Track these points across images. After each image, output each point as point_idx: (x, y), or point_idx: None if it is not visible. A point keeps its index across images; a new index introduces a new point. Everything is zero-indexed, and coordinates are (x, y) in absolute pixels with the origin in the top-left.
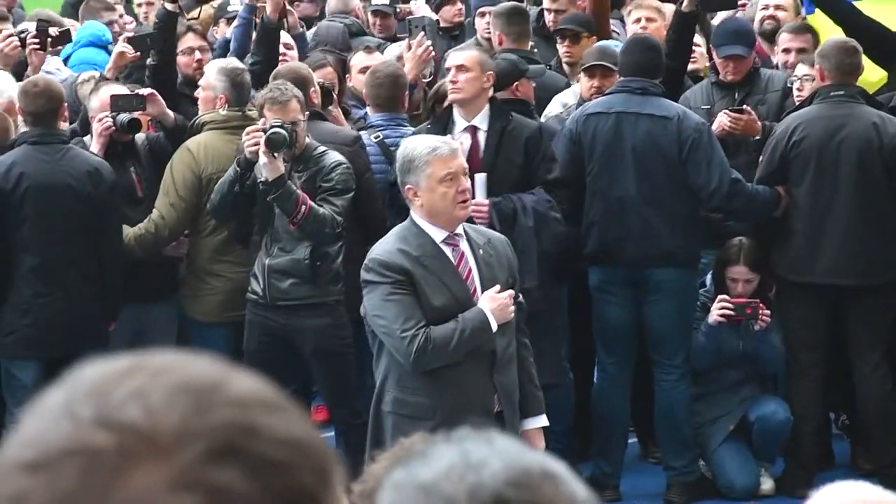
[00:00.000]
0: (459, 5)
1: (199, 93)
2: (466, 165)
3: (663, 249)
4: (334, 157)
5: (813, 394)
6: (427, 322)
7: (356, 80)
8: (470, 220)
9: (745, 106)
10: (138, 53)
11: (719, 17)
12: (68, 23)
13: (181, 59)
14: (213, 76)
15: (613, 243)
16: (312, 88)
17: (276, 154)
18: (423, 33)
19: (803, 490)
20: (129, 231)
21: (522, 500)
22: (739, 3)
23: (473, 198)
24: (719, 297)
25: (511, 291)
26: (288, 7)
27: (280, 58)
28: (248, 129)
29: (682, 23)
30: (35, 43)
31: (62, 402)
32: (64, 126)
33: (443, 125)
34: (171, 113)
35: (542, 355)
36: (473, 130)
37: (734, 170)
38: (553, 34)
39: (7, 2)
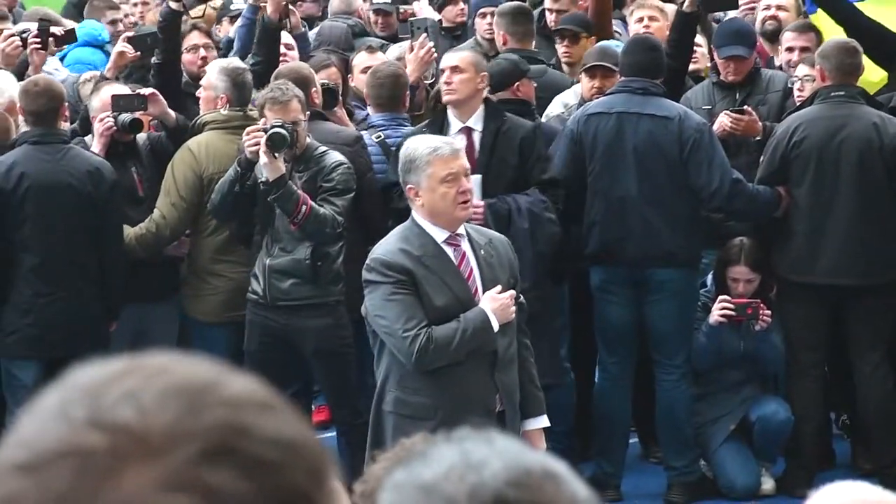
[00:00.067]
0: (462, 5)
1: (200, 92)
2: (468, 166)
3: (664, 249)
4: (335, 157)
5: (813, 394)
6: (428, 322)
7: (358, 81)
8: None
9: (745, 106)
10: (138, 53)
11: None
12: (69, 23)
13: (186, 57)
14: (214, 76)
15: (615, 243)
16: (314, 88)
17: (276, 154)
18: (425, 34)
19: (804, 490)
20: (130, 231)
21: (523, 500)
22: (748, 6)
23: None
24: (720, 297)
25: (512, 292)
26: (290, 7)
27: (280, 58)
28: (249, 128)
29: (684, 23)
30: (36, 42)
31: (56, 403)
32: (65, 126)
33: (438, 126)
34: (172, 113)
35: (541, 356)
36: (468, 131)
37: (735, 170)
38: (552, 34)
39: (8, 1)
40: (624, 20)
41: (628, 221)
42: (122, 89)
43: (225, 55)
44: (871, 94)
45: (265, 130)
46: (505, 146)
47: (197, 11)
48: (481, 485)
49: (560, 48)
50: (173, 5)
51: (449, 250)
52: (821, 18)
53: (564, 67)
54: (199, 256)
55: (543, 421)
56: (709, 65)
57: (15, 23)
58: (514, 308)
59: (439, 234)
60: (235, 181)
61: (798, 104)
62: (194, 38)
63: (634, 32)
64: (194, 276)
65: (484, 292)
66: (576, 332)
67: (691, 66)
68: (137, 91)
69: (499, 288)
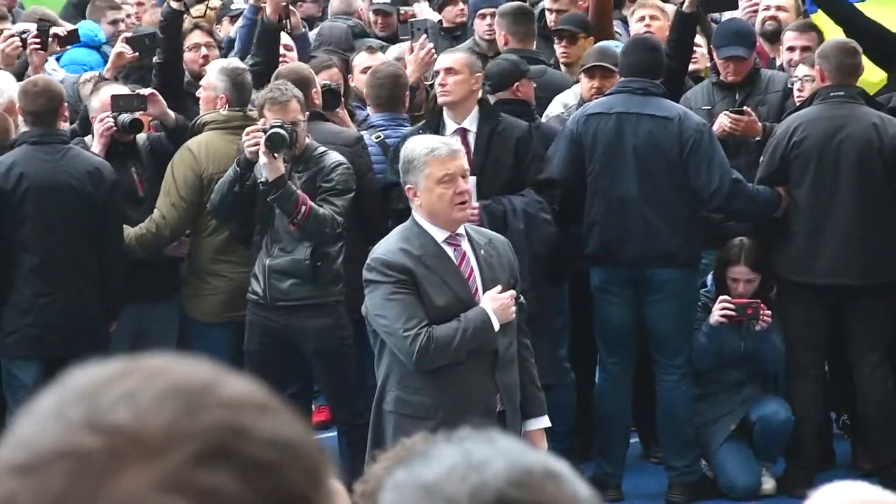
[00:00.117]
0: (462, 6)
1: (200, 92)
2: (467, 167)
3: (664, 250)
4: (334, 157)
5: (813, 394)
6: (429, 321)
7: (358, 81)
8: None
9: (745, 107)
10: (137, 54)
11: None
12: (67, 23)
13: (188, 56)
14: (214, 76)
15: (614, 243)
16: (314, 89)
17: (276, 154)
18: (425, 36)
19: (804, 490)
20: (130, 231)
21: (525, 500)
22: (751, 8)
23: None
24: (720, 297)
25: (513, 292)
26: (291, 8)
27: (279, 59)
28: (248, 129)
29: (683, 23)
30: (36, 43)
31: (53, 404)
32: (64, 126)
33: (434, 127)
34: (172, 113)
35: (540, 356)
36: (463, 132)
37: (734, 170)
38: (551, 34)
39: (7, 1)
40: (624, 20)
41: (628, 222)
42: (122, 89)
43: (226, 55)
44: (872, 94)
45: (264, 131)
46: (500, 147)
47: (198, 10)
48: (483, 485)
49: (558, 48)
50: (174, 5)
51: (449, 250)
52: (821, 18)
53: (562, 68)
54: (199, 256)
55: (545, 421)
56: (708, 65)
57: (14, 23)
58: (514, 308)
59: (439, 234)
60: (235, 181)
61: (798, 104)
62: (196, 36)
63: (635, 32)
64: (194, 276)
65: (484, 292)
66: (576, 333)
67: (691, 67)
68: (137, 91)
69: (499, 288)
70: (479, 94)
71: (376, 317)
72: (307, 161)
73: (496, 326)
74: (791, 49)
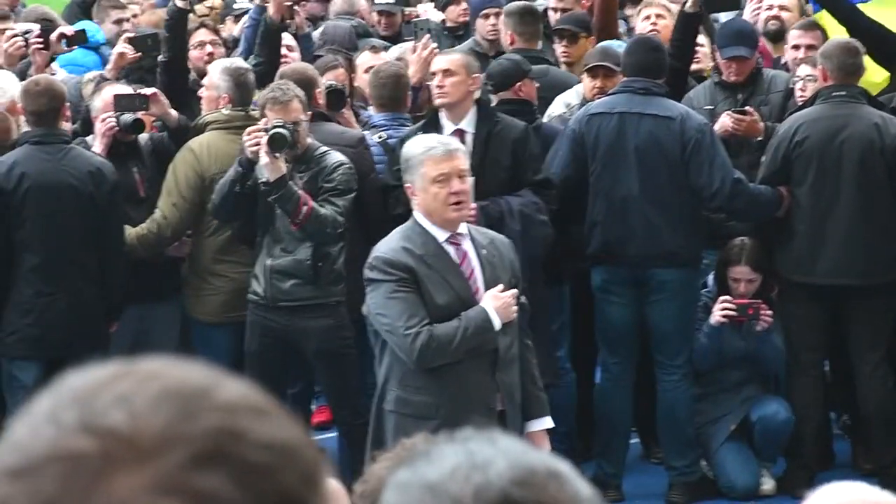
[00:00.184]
0: (465, 5)
1: (202, 92)
2: (464, 167)
3: (666, 249)
4: (336, 157)
5: (814, 394)
6: (430, 320)
7: (362, 80)
8: None
9: (747, 107)
10: (139, 54)
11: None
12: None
13: (193, 54)
14: (216, 76)
15: (616, 243)
16: (318, 89)
17: (277, 154)
18: (428, 36)
19: (804, 490)
20: (131, 231)
21: (528, 499)
22: (757, 8)
23: None
24: (721, 297)
25: (514, 291)
26: (295, 8)
27: (281, 59)
28: (250, 129)
29: (686, 23)
30: (39, 43)
31: (48, 407)
32: (66, 126)
33: (432, 128)
34: (174, 113)
35: (537, 356)
36: (461, 134)
37: (736, 170)
38: (552, 34)
39: (9, 0)
40: (626, 20)
41: (630, 221)
42: (124, 89)
43: (229, 55)
44: (874, 94)
45: (266, 130)
46: (498, 147)
47: (203, 9)
48: (487, 484)
49: (558, 48)
50: (179, 3)
51: (450, 249)
52: (825, 17)
53: (563, 67)
54: (201, 257)
55: (547, 422)
56: (711, 65)
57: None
58: (515, 307)
59: (440, 234)
60: (236, 181)
61: (800, 104)
62: (201, 34)
63: (641, 30)
64: (195, 276)
65: (485, 291)
66: (577, 333)
67: (694, 66)
68: (139, 91)
69: (501, 287)
70: (476, 95)
71: (377, 315)
72: (308, 161)
73: (497, 326)
74: (796, 47)
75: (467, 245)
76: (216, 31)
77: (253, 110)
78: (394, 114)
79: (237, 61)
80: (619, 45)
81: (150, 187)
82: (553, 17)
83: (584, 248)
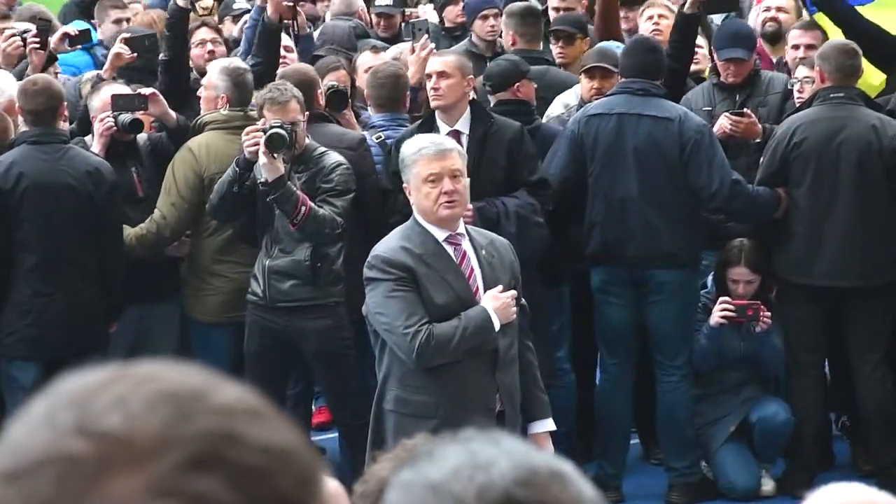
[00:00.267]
0: (463, 6)
1: (201, 91)
2: (457, 167)
3: (664, 250)
4: (334, 157)
5: (813, 395)
6: (429, 319)
7: (362, 81)
8: None
9: (745, 109)
10: (135, 54)
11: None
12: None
13: (194, 52)
14: (214, 75)
15: (615, 244)
16: (318, 90)
17: (275, 154)
18: (426, 36)
19: (804, 491)
20: (130, 231)
21: (531, 500)
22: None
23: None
24: (720, 298)
25: (514, 292)
26: (297, 9)
27: (280, 60)
28: (248, 129)
29: (685, 24)
30: (36, 42)
31: (44, 410)
32: (64, 126)
33: (427, 130)
34: (173, 113)
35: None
36: (456, 135)
37: (735, 171)
38: (548, 34)
39: (7, 0)
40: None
41: (629, 222)
42: (123, 89)
43: (230, 54)
44: (873, 97)
45: (264, 131)
46: (493, 148)
47: (198, 9)
48: (489, 484)
49: (555, 49)
50: (180, 2)
51: (449, 249)
52: (823, 18)
53: (559, 68)
54: (200, 257)
55: (549, 424)
56: (710, 66)
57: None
58: (515, 308)
59: (440, 233)
60: (234, 181)
61: (798, 106)
62: (202, 33)
63: (644, 30)
64: (194, 276)
65: (485, 292)
66: (576, 334)
67: (693, 67)
68: (138, 91)
69: (500, 287)
70: (471, 96)
71: (377, 314)
72: (307, 161)
73: (496, 326)
74: (796, 47)
75: (466, 245)
76: (217, 30)
77: (251, 110)
78: (392, 114)
79: (235, 61)
80: (616, 46)
81: (148, 187)
82: (555, 17)
83: (583, 248)
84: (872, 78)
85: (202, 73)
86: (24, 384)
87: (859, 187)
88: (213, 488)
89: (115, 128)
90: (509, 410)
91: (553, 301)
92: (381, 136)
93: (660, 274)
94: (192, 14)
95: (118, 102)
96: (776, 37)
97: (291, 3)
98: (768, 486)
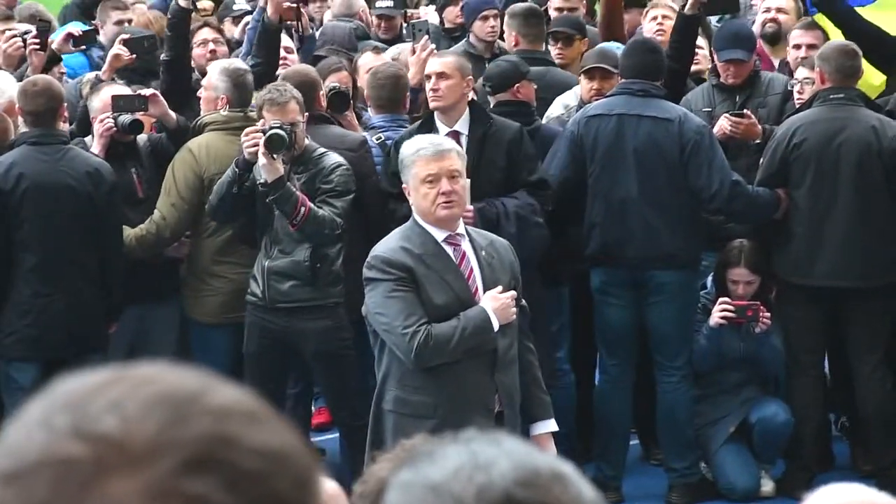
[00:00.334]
0: (462, 6)
1: (201, 92)
2: (455, 168)
3: (664, 251)
4: (334, 158)
5: (813, 395)
6: (428, 319)
7: (363, 81)
8: None
9: (745, 110)
10: (133, 56)
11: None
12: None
13: (196, 52)
14: (214, 76)
15: (615, 245)
16: (320, 92)
17: (275, 155)
18: (426, 37)
19: (804, 492)
20: (130, 232)
21: (532, 500)
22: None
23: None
24: (720, 299)
25: (513, 292)
26: (301, 10)
27: (280, 62)
28: (248, 130)
29: (685, 25)
30: (35, 43)
31: (40, 412)
32: (64, 127)
33: (427, 131)
34: (173, 114)
35: None
36: (455, 136)
37: (734, 172)
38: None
39: (7, 1)
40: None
41: (628, 223)
42: (123, 90)
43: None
44: (873, 97)
45: (263, 132)
46: (492, 148)
47: (205, 6)
48: (490, 484)
49: (553, 50)
50: (182, 3)
51: (449, 249)
52: (823, 18)
53: None
54: (200, 258)
55: (551, 425)
56: (710, 67)
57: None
58: (514, 309)
59: (439, 234)
60: (233, 182)
61: (798, 107)
62: (204, 33)
63: (648, 31)
64: (194, 277)
65: (484, 292)
66: (576, 334)
67: (693, 68)
68: (138, 92)
69: (500, 288)
70: (470, 97)
71: (376, 315)
72: (306, 162)
73: (496, 326)
74: (797, 47)
75: (466, 246)
76: (219, 31)
77: (251, 111)
78: (392, 115)
79: (235, 62)
80: (617, 47)
81: (148, 188)
82: (554, 18)
83: (582, 249)
84: (873, 78)
85: (204, 74)
86: (24, 384)
87: (859, 188)
88: (210, 491)
89: (114, 129)
90: (508, 411)
91: (553, 302)
92: (380, 138)
93: (659, 275)
94: (193, 14)
95: (118, 103)
96: (776, 38)
97: (294, 5)
98: (768, 486)
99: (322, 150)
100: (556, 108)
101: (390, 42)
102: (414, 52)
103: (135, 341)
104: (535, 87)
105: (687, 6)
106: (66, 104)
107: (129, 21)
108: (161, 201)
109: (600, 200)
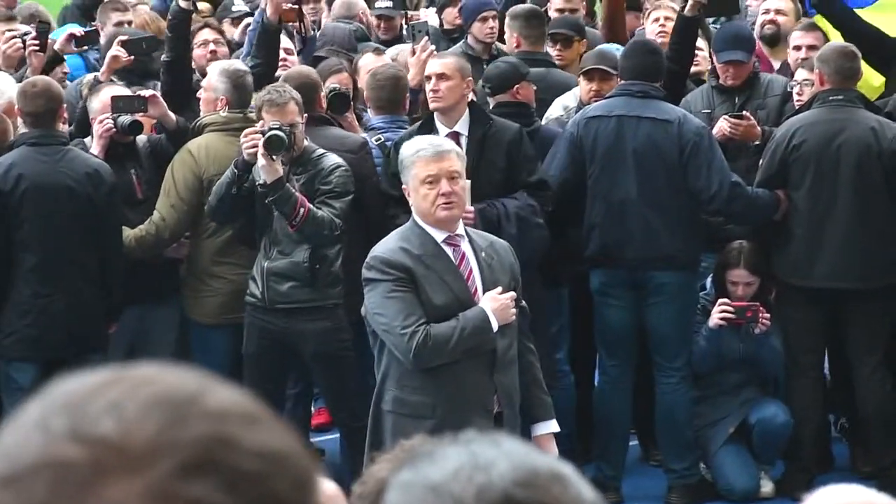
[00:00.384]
0: (460, 7)
1: (201, 93)
2: (455, 168)
3: (664, 252)
4: (333, 159)
5: (812, 396)
6: (428, 320)
7: (363, 82)
8: None
9: (744, 112)
10: (132, 57)
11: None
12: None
13: (197, 53)
14: (214, 77)
15: (614, 246)
16: (321, 93)
17: (274, 156)
18: (426, 38)
19: (803, 493)
20: (129, 232)
21: (531, 501)
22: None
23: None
24: (720, 300)
25: (513, 293)
26: (303, 11)
27: (280, 63)
28: (247, 130)
29: (685, 27)
30: (35, 44)
31: (38, 414)
32: (63, 128)
33: (426, 131)
34: (172, 115)
35: None
36: (455, 136)
37: (734, 173)
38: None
39: (7, 1)
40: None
41: (628, 224)
42: (122, 91)
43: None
44: (873, 98)
45: (263, 133)
46: (492, 149)
47: (203, 9)
48: (489, 485)
49: (552, 51)
50: (183, 4)
51: (448, 250)
52: (823, 20)
53: None
54: (199, 258)
55: (553, 426)
56: (709, 68)
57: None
58: (514, 310)
59: (439, 234)
60: (232, 183)
61: (797, 108)
62: (205, 34)
63: (650, 32)
64: (193, 277)
65: (484, 293)
66: (575, 335)
67: (693, 69)
68: (137, 93)
69: (500, 289)
70: (470, 98)
71: (375, 315)
72: (306, 163)
73: (494, 327)
74: (797, 48)
75: (465, 246)
76: (220, 31)
77: (251, 112)
78: (392, 116)
79: (235, 63)
80: (616, 49)
81: (147, 189)
82: (553, 19)
83: (582, 250)
84: (873, 79)
85: (205, 74)
86: (23, 385)
87: (858, 189)
88: (209, 494)
89: (114, 129)
90: (507, 412)
91: (552, 303)
92: (380, 139)
93: (659, 276)
94: (194, 15)
95: (118, 104)
96: (775, 39)
97: (297, 7)
98: (767, 487)
99: (321, 151)
100: (555, 110)
101: (390, 43)
102: (414, 53)
103: (134, 342)
104: (535, 88)
105: (687, 7)
106: (65, 105)
107: (129, 23)
108: (160, 202)
109: (600, 202)
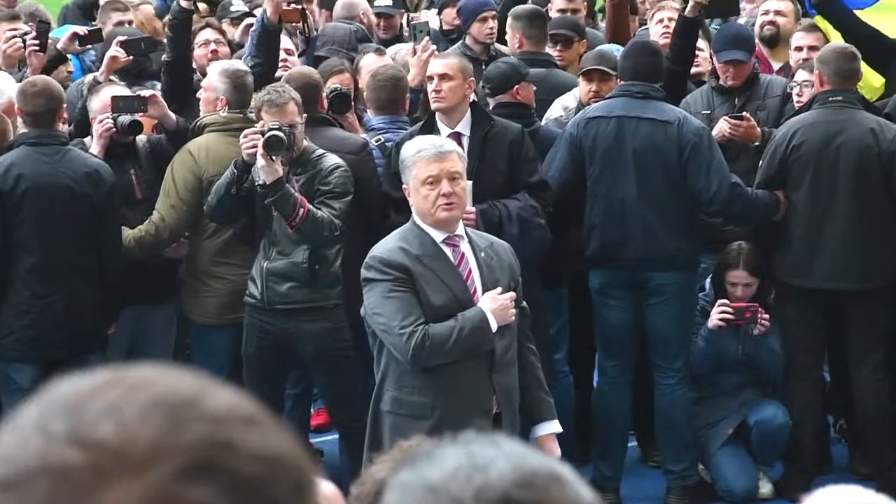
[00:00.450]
0: (458, 8)
1: (201, 93)
2: (456, 169)
3: (664, 252)
4: (332, 159)
5: (811, 398)
6: (427, 320)
7: (364, 82)
8: None
9: (744, 113)
10: (130, 57)
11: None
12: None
13: (198, 52)
14: (214, 77)
15: (614, 246)
16: (322, 94)
17: (273, 157)
18: (427, 38)
19: (802, 494)
20: (129, 232)
21: (529, 501)
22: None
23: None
24: (719, 301)
25: (512, 294)
26: (306, 11)
27: (281, 63)
28: (246, 131)
29: (686, 27)
30: (35, 44)
31: (36, 417)
32: (63, 127)
33: (428, 132)
34: (172, 115)
35: None
36: (457, 137)
37: (733, 174)
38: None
39: (7, 1)
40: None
41: (628, 224)
42: (122, 91)
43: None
44: (874, 99)
45: (262, 133)
46: (494, 150)
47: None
48: (488, 485)
49: (553, 52)
50: (184, 4)
51: (448, 250)
52: (823, 21)
53: None
54: (199, 259)
55: (555, 426)
56: (709, 69)
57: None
58: (513, 310)
59: (438, 235)
60: (232, 183)
61: (797, 109)
62: (206, 34)
63: (654, 33)
64: (193, 278)
65: (483, 293)
66: (575, 336)
67: (693, 70)
68: (137, 93)
69: (499, 289)
70: (472, 98)
71: (374, 315)
72: (305, 164)
73: (494, 327)
74: (798, 48)
75: (465, 247)
76: (221, 31)
77: (251, 112)
78: (392, 117)
79: (235, 63)
80: (616, 49)
81: (147, 189)
82: (554, 20)
83: (582, 251)
84: (873, 80)
85: (205, 74)
86: (22, 385)
87: (858, 190)
88: (208, 497)
89: (114, 129)
90: (506, 413)
91: (552, 303)
92: (380, 139)
93: (659, 276)
94: (195, 15)
95: (118, 104)
96: (774, 41)
97: (300, 7)
98: (766, 488)
99: (321, 151)
100: (554, 110)
101: (390, 42)
102: (414, 53)
103: (133, 342)
104: (535, 88)
105: (688, 8)
106: (65, 105)
107: (130, 23)
108: (160, 202)
109: (599, 202)
